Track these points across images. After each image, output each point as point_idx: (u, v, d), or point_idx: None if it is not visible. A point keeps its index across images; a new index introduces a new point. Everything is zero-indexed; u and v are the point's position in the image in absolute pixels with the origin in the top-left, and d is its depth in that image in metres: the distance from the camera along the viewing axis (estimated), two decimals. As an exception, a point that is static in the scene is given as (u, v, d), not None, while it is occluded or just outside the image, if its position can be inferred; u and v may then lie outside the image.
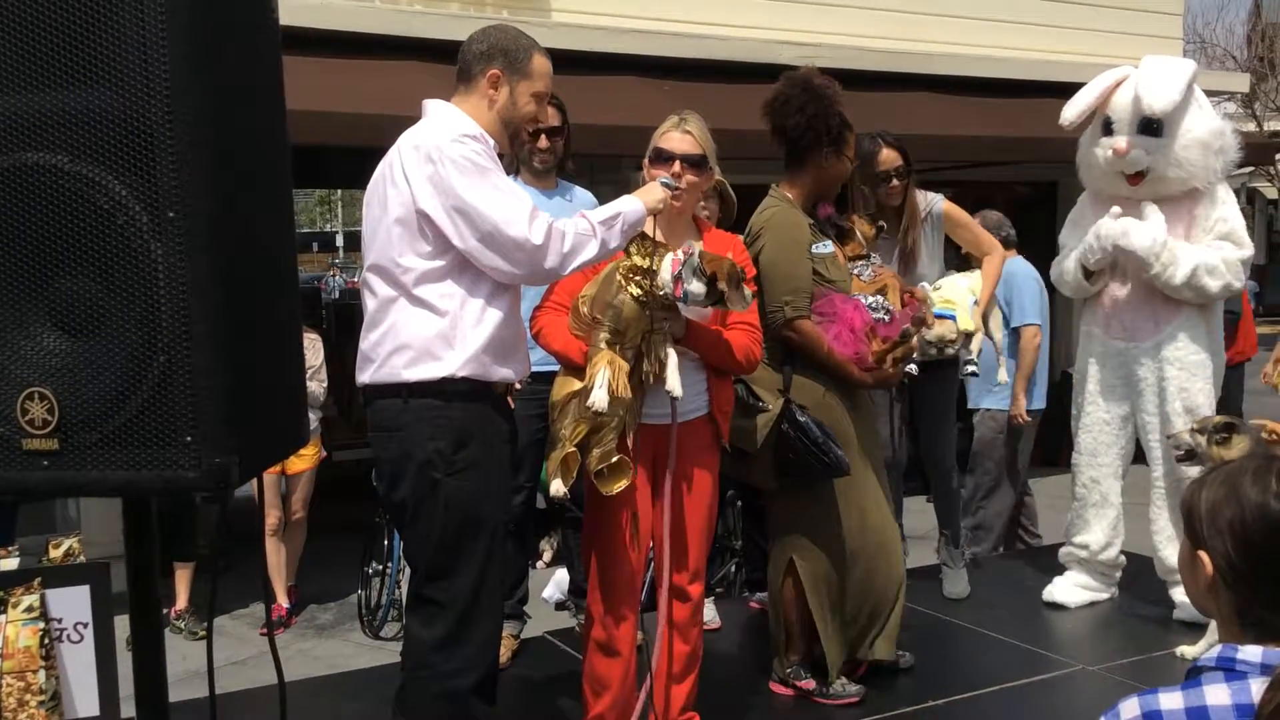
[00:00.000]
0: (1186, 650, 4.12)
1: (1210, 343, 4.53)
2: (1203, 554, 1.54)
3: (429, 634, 2.82)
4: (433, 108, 2.94)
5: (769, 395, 3.63)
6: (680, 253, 3.02)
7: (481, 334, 2.79)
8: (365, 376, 2.85)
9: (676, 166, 3.20)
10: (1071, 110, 4.58)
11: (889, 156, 4.55)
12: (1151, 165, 4.38)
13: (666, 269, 3.00)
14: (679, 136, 3.23)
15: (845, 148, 3.80)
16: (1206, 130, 4.37)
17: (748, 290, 3.11)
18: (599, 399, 2.97)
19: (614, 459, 3.04)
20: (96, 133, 1.50)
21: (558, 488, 3.09)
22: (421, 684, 2.84)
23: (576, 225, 2.83)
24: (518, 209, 2.72)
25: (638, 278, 3.03)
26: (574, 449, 3.05)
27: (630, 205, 2.96)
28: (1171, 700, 1.48)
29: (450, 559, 2.79)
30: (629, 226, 2.94)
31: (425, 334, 2.76)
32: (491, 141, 2.87)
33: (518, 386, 4.06)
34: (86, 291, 1.52)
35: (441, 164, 2.71)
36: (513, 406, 3.12)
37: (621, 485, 3.06)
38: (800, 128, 3.72)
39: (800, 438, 3.55)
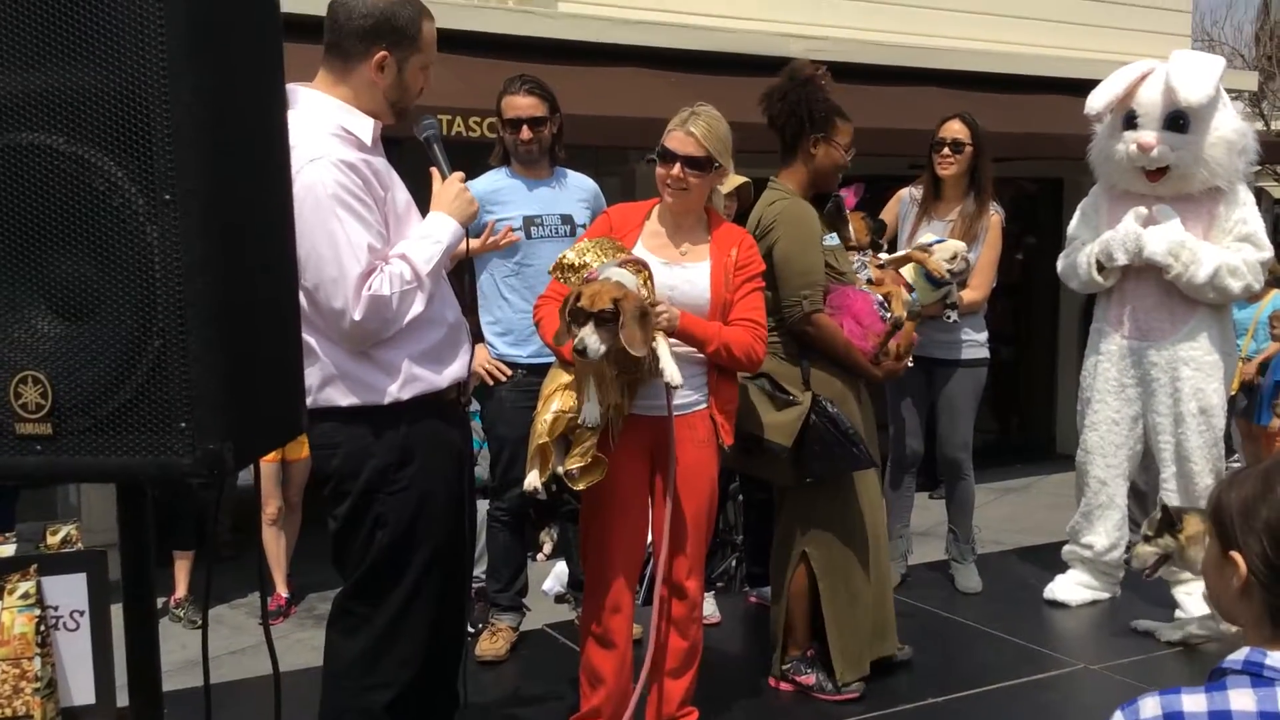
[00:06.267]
0: (1159, 629, 4.29)
1: (1224, 343, 4.50)
2: (1235, 555, 1.49)
3: (350, 645, 2.76)
4: (305, 99, 2.66)
5: (796, 389, 3.61)
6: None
7: (411, 350, 2.68)
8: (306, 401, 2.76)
9: (677, 169, 3.19)
10: (1098, 100, 4.52)
11: (951, 126, 4.72)
12: (1176, 162, 4.34)
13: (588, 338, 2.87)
14: (680, 136, 3.22)
15: (835, 135, 3.75)
16: (1232, 129, 4.34)
17: (665, 349, 2.99)
18: (590, 416, 2.95)
19: (588, 460, 3.02)
20: (93, 114, 1.48)
21: (532, 480, 3.07)
22: (339, 693, 2.79)
23: (403, 277, 2.61)
24: (350, 271, 2.52)
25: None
26: (548, 440, 3.04)
27: (445, 230, 2.76)
28: (1194, 702, 1.43)
29: (383, 577, 2.73)
30: (449, 254, 2.78)
31: (353, 363, 2.65)
32: (371, 158, 2.65)
33: (504, 378, 4.03)
34: (81, 275, 1.50)
35: (308, 188, 2.48)
36: (476, 408, 3.04)
37: (592, 481, 3.05)
38: (783, 115, 3.73)
39: (832, 430, 3.53)
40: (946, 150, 4.69)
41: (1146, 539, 4.08)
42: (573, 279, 3.05)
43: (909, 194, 4.89)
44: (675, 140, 3.22)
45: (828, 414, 3.54)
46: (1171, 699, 1.45)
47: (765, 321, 3.35)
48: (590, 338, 2.84)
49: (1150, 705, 1.46)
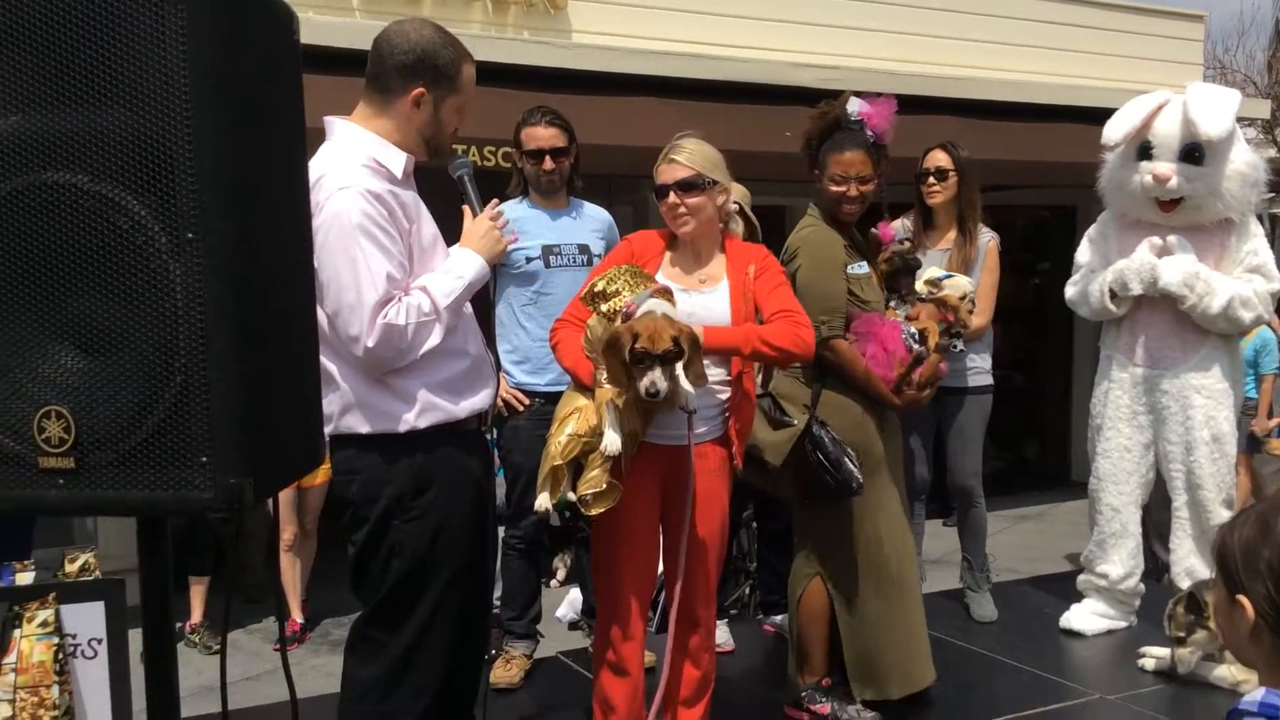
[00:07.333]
0: (1147, 659, 4.29)
1: (1233, 372, 4.53)
2: (1242, 599, 1.49)
3: (366, 671, 2.79)
4: (340, 130, 2.74)
5: (796, 411, 3.63)
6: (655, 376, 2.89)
7: (429, 380, 2.71)
8: (327, 429, 2.75)
9: (672, 197, 3.23)
10: (1116, 130, 4.53)
11: (934, 156, 4.78)
12: (1190, 193, 4.36)
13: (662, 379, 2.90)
14: (666, 167, 3.26)
15: (824, 168, 3.76)
16: (1245, 163, 4.38)
17: (683, 375, 2.97)
18: (612, 445, 2.96)
19: (603, 485, 3.03)
20: (117, 153, 1.51)
21: (543, 501, 3.08)
22: (354, 718, 2.81)
23: (420, 308, 2.66)
24: (367, 299, 2.57)
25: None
26: (561, 463, 3.05)
27: (470, 267, 2.80)
28: None
29: (399, 604, 2.75)
30: (473, 290, 2.82)
31: (372, 391, 2.69)
32: (400, 190, 2.69)
33: (521, 407, 4.06)
34: (104, 311, 1.52)
35: (334, 215, 2.56)
36: (495, 436, 3.07)
37: (606, 507, 3.05)
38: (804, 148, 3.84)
39: (815, 452, 3.54)
40: (931, 179, 4.74)
41: (1180, 640, 4.06)
42: (603, 306, 3.06)
43: (901, 225, 4.90)
44: (662, 173, 3.27)
45: (814, 436, 3.56)
46: None
47: (802, 308, 3.29)
48: (662, 381, 2.88)
49: None
